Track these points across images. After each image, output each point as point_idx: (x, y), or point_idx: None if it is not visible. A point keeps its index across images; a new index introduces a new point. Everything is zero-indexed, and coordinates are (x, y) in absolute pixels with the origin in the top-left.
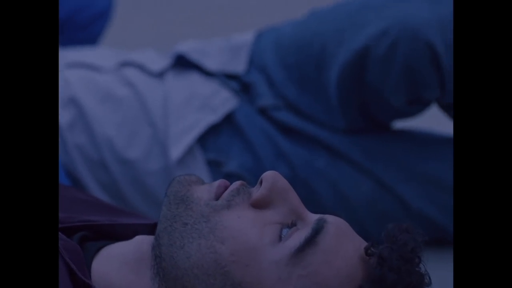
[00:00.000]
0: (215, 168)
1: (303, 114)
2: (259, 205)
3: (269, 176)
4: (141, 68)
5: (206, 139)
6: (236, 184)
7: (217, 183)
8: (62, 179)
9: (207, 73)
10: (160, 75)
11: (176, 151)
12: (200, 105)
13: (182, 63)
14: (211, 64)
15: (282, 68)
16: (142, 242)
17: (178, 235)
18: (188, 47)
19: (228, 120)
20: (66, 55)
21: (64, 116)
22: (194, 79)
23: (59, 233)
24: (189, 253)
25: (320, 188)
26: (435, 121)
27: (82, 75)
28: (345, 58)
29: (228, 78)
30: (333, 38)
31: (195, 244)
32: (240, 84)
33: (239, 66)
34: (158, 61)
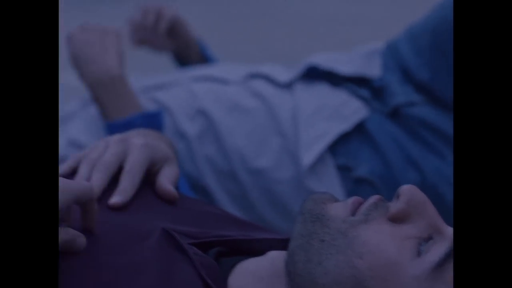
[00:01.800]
0: (345, 173)
1: (437, 102)
2: (396, 219)
3: (406, 190)
4: (268, 79)
5: (336, 145)
6: (373, 198)
7: (351, 199)
8: (187, 192)
9: (336, 84)
10: (288, 86)
11: (307, 158)
12: (330, 114)
13: (311, 75)
14: (346, 69)
15: (416, 53)
16: (276, 258)
17: (315, 252)
18: (321, 58)
19: (358, 127)
20: (193, 71)
21: (193, 127)
22: (323, 90)
23: (196, 248)
24: (327, 269)
25: (449, 195)
26: None
27: (210, 87)
28: None
29: (358, 86)
30: None
31: (333, 260)
32: (371, 91)
33: (374, 70)
34: (286, 73)
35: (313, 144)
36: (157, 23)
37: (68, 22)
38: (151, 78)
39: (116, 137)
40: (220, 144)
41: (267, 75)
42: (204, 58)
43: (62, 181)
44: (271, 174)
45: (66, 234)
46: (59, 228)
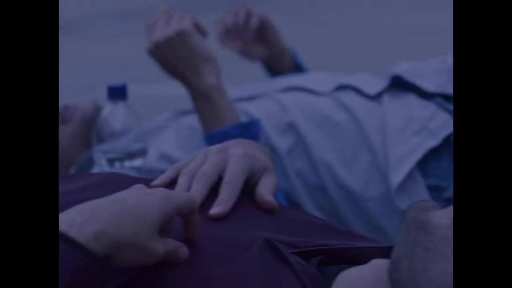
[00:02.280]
0: (435, 193)
1: None
2: None
3: None
4: (357, 91)
5: (426, 163)
6: None
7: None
8: (282, 202)
9: (424, 94)
10: (376, 97)
11: (396, 177)
12: (418, 128)
13: (398, 85)
14: (428, 85)
15: None
16: (379, 266)
17: (420, 260)
18: (404, 69)
19: (448, 143)
20: (282, 81)
21: (283, 142)
22: (410, 101)
23: (298, 257)
24: (432, 277)
25: None
26: None
27: (299, 99)
28: None
29: (445, 99)
30: None
31: (438, 268)
32: None
33: None
34: (374, 84)
35: (402, 162)
36: (248, 21)
37: None
38: (240, 88)
39: (215, 147)
40: (310, 159)
41: (356, 86)
42: (296, 66)
43: (164, 192)
44: (361, 191)
45: (168, 244)
46: (163, 239)
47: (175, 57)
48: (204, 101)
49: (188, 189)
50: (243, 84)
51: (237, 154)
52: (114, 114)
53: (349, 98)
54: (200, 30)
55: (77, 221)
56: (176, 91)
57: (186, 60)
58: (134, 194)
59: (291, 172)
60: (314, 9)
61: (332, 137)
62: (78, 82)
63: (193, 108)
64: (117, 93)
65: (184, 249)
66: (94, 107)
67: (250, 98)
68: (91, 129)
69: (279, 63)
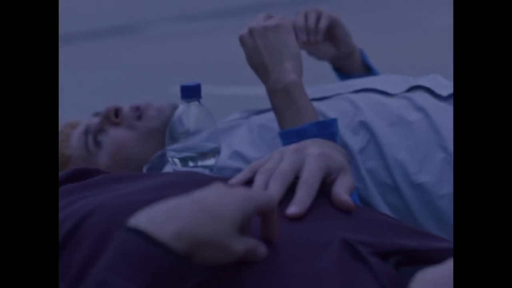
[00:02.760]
0: None
1: None
2: None
3: None
4: (430, 92)
5: None
6: None
7: None
8: (356, 201)
9: None
10: (448, 98)
11: None
12: None
13: None
14: None
15: None
16: None
17: None
18: None
19: None
20: (354, 82)
21: (356, 141)
22: None
23: (376, 257)
24: None
25: None
26: None
27: (372, 99)
28: None
29: None
30: None
31: None
32: None
33: None
34: (445, 85)
35: None
36: (318, 21)
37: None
38: (312, 88)
39: (292, 147)
40: (382, 158)
41: (428, 87)
42: (366, 68)
43: (244, 191)
44: (433, 189)
45: (247, 243)
46: (242, 237)
47: (265, 47)
48: (284, 97)
49: (265, 188)
50: (314, 86)
51: (314, 154)
52: (187, 113)
53: (422, 98)
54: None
55: (158, 219)
56: (235, 91)
57: (275, 51)
58: (214, 193)
59: (363, 171)
60: (372, 10)
61: (405, 136)
62: (141, 82)
63: (265, 108)
64: (191, 92)
65: (262, 247)
66: (171, 107)
67: (323, 98)
68: (165, 128)
69: (348, 63)
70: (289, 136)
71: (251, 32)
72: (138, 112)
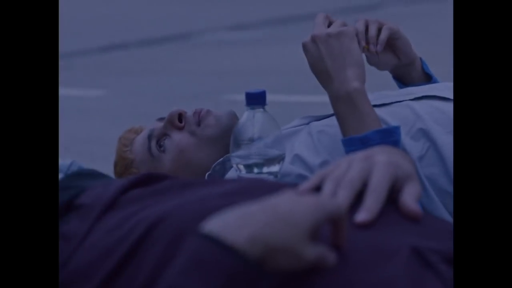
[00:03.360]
0: None
1: None
2: None
3: None
4: None
5: None
6: None
7: None
8: None
9: None
10: None
11: None
12: None
13: None
14: None
15: None
16: None
17: None
18: None
19: None
20: (413, 90)
21: (416, 148)
22: None
23: (444, 265)
24: None
25: None
26: None
27: (432, 106)
28: None
29: None
30: None
31: None
32: None
33: None
34: None
35: None
36: (379, 32)
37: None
38: (372, 95)
39: (360, 154)
40: (443, 165)
41: None
42: (426, 76)
43: (316, 199)
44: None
45: (318, 250)
46: (313, 244)
47: (328, 54)
48: (347, 104)
49: (334, 196)
50: (374, 93)
51: (382, 161)
52: (252, 120)
53: None
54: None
55: (231, 225)
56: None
57: (338, 59)
58: (286, 200)
59: (423, 177)
60: (421, 19)
61: None
62: (197, 89)
63: (325, 115)
64: (256, 99)
65: (332, 255)
66: (230, 115)
67: (383, 105)
68: (227, 136)
69: (408, 72)
70: (352, 143)
71: (314, 39)
72: (198, 117)
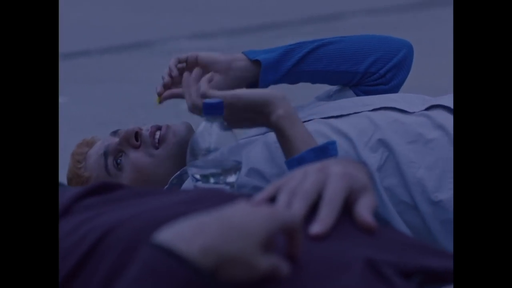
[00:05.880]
0: None
1: None
2: None
3: None
4: (450, 111)
5: None
6: None
7: None
8: None
9: None
10: None
11: None
12: None
13: None
14: None
15: None
16: None
17: None
18: None
19: None
20: (371, 100)
21: (374, 158)
22: None
23: (399, 278)
24: None
25: None
26: None
27: (391, 117)
28: None
29: None
30: None
31: None
32: None
33: None
34: None
35: None
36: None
37: None
38: (331, 105)
39: (315, 166)
40: (401, 176)
41: (447, 106)
42: (257, 63)
43: (270, 209)
44: (452, 207)
45: (271, 261)
46: (266, 255)
47: (241, 121)
48: (277, 132)
49: (289, 207)
50: (334, 101)
51: (337, 173)
52: (210, 130)
53: (442, 117)
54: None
55: (184, 235)
56: None
57: (249, 115)
58: (240, 210)
59: (381, 188)
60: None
61: (425, 154)
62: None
63: None
64: (214, 109)
65: (286, 265)
66: (187, 127)
67: (341, 116)
68: (184, 149)
69: (244, 75)
70: (291, 164)
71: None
72: (156, 138)
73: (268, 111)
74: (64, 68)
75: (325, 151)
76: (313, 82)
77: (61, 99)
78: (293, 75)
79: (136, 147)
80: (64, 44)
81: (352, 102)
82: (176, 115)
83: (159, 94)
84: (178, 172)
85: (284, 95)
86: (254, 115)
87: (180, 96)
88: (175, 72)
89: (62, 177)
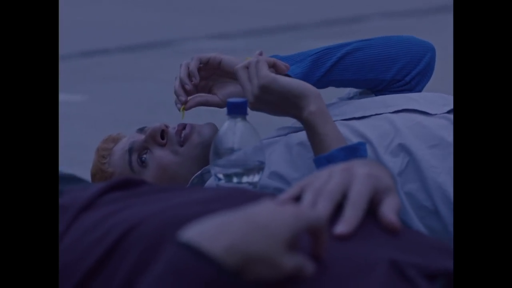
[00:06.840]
0: None
1: None
2: None
3: None
4: None
5: None
6: None
7: None
8: None
9: None
10: None
11: None
12: None
13: None
14: None
15: None
16: None
17: None
18: None
19: None
20: (394, 102)
21: (395, 163)
22: None
23: (423, 279)
24: None
25: None
26: None
27: (412, 120)
28: None
29: None
30: None
31: None
32: None
33: None
34: None
35: None
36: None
37: None
38: (353, 104)
39: (340, 166)
40: (422, 180)
41: None
42: None
43: (295, 209)
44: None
45: (296, 260)
46: (291, 255)
47: (273, 106)
48: (309, 128)
49: (313, 206)
50: (357, 100)
51: (362, 173)
52: (233, 130)
53: None
54: (279, 68)
55: (209, 234)
56: None
57: (282, 102)
58: (265, 210)
59: (401, 193)
60: (406, 32)
61: (445, 158)
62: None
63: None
64: (237, 108)
65: (310, 265)
66: (211, 129)
67: (362, 118)
68: (207, 150)
69: None
70: (320, 162)
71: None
72: (182, 137)
73: (302, 104)
74: (84, 66)
75: (355, 151)
76: (339, 87)
77: (80, 97)
78: (320, 84)
79: (162, 145)
80: (85, 42)
81: (374, 102)
82: (196, 116)
83: (183, 103)
84: (199, 172)
85: (319, 93)
86: (288, 105)
87: (205, 104)
88: (197, 79)
89: (83, 174)
